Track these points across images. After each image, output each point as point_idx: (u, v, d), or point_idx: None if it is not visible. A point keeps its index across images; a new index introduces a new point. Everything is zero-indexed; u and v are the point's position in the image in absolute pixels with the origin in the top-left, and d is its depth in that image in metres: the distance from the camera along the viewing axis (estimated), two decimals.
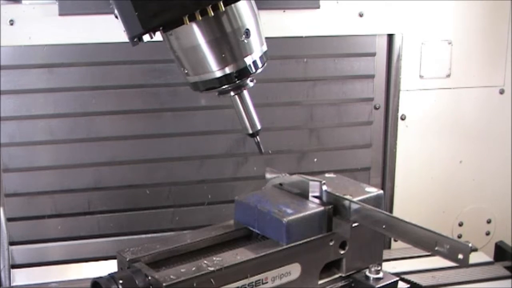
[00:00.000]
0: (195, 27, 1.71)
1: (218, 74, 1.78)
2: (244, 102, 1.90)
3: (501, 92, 2.77)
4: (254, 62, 1.81)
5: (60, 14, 2.36)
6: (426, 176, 2.77)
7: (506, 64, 2.75)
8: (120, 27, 1.71)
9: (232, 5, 1.73)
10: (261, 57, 1.83)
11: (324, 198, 1.81)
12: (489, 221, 2.76)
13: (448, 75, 2.72)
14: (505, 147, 2.79)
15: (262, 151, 1.97)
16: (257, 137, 1.97)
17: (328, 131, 2.69)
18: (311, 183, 1.83)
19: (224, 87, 1.83)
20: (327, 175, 1.96)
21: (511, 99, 2.77)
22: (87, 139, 2.52)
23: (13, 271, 2.49)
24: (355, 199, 1.80)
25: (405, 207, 2.74)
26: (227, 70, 1.77)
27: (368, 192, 1.86)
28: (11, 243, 2.51)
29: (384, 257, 2.23)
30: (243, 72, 1.80)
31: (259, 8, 2.42)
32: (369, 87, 2.70)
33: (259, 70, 1.83)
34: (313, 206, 1.79)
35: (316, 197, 1.83)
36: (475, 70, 2.75)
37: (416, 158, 2.76)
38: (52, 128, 2.49)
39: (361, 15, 2.59)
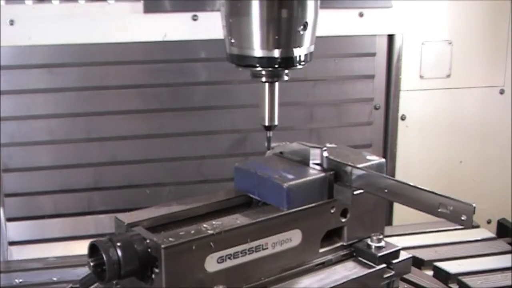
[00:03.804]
0: (263, 1, 1.70)
1: (263, 54, 1.75)
2: (272, 93, 1.85)
3: (501, 92, 2.78)
4: (300, 57, 1.78)
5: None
6: (426, 176, 2.76)
7: (506, 64, 2.76)
8: None
9: None
10: (306, 55, 1.80)
11: (325, 165, 1.77)
12: (489, 222, 2.76)
13: (448, 75, 2.72)
14: (505, 147, 2.80)
15: (270, 148, 1.92)
16: (271, 132, 1.92)
17: (328, 131, 2.69)
18: (311, 150, 1.80)
19: (260, 69, 1.79)
20: (328, 144, 1.93)
21: (511, 99, 2.77)
22: (87, 139, 2.52)
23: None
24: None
25: (404, 207, 2.73)
26: (274, 54, 1.74)
27: (370, 160, 1.83)
28: (11, 243, 2.51)
29: (386, 233, 2.24)
30: (288, 62, 1.76)
31: None
32: (369, 87, 2.70)
33: (300, 66, 1.79)
34: (314, 172, 1.76)
35: (317, 164, 1.81)
36: (475, 70, 2.75)
37: (416, 158, 2.76)
38: (52, 128, 2.49)
39: (361, 15, 2.59)
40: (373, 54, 2.69)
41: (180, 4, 2.44)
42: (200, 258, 1.56)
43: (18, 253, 2.51)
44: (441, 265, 2.10)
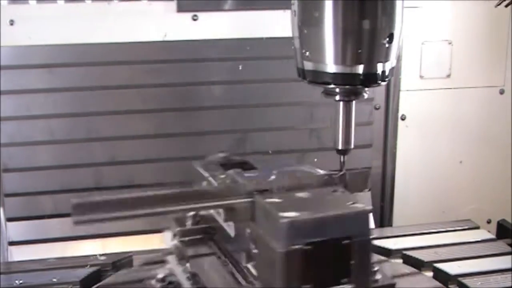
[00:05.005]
0: (342, 9, 1.51)
1: (342, 70, 1.54)
2: (349, 113, 1.64)
3: (501, 92, 2.78)
4: (384, 72, 1.58)
5: None
6: (426, 176, 2.77)
7: (506, 64, 2.76)
8: None
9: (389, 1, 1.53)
10: (391, 70, 1.62)
11: None
12: (489, 221, 2.76)
13: (448, 75, 2.72)
14: (505, 147, 2.79)
15: (343, 170, 1.67)
16: (345, 156, 1.68)
17: (328, 131, 2.68)
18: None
19: (334, 86, 1.59)
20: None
21: (511, 99, 2.77)
22: (87, 139, 2.52)
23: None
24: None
25: (405, 207, 2.75)
26: (357, 70, 1.54)
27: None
28: (11, 243, 2.51)
29: (386, 234, 2.24)
30: (370, 79, 1.57)
31: (260, 8, 2.43)
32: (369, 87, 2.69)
33: (383, 83, 1.61)
34: None
35: None
36: (475, 70, 2.75)
37: (416, 158, 2.76)
38: (52, 128, 2.48)
39: None
40: None
41: (180, 4, 2.44)
42: None
43: (18, 253, 2.51)
44: (441, 266, 2.09)
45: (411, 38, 2.67)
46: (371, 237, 1.46)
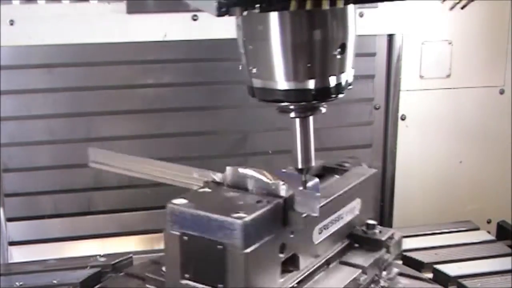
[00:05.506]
0: (288, 21, 1.41)
1: (293, 86, 1.46)
2: (306, 129, 1.57)
3: (501, 92, 2.78)
4: (339, 85, 1.49)
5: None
6: (426, 176, 2.77)
7: (506, 64, 2.76)
8: None
9: (339, 8, 1.41)
10: (346, 82, 1.52)
11: None
12: (489, 222, 2.76)
13: (448, 75, 2.72)
14: (505, 147, 2.79)
15: (306, 188, 1.61)
16: (306, 175, 1.61)
17: (328, 131, 2.68)
18: None
19: (287, 103, 1.51)
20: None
21: (511, 99, 2.77)
22: (87, 139, 2.52)
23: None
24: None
25: (405, 207, 2.75)
26: (308, 85, 1.45)
27: None
28: (11, 243, 2.51)
29: None
30: (324, 93, 1.48)
31: None
32: (369, 87, 2.70)
33: (340, 95, 1.52)
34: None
35: None
36: (475, 70, 2.75)
37: (416, 158, 2.76)
38: (52, 128, 2.49)
39: (361, 15, 2.58)
40: (373, 54, 2.68)
41: (180, 4, 2.44)
42: None
43: (18, 253, 2.51)
44: (441, 267, 2.10)
45: (411, 38, 2.67)
46: (244, 251, 1.44)
